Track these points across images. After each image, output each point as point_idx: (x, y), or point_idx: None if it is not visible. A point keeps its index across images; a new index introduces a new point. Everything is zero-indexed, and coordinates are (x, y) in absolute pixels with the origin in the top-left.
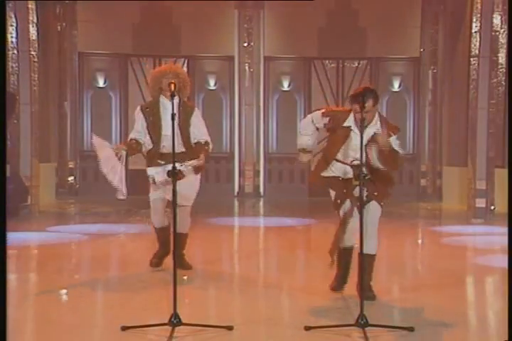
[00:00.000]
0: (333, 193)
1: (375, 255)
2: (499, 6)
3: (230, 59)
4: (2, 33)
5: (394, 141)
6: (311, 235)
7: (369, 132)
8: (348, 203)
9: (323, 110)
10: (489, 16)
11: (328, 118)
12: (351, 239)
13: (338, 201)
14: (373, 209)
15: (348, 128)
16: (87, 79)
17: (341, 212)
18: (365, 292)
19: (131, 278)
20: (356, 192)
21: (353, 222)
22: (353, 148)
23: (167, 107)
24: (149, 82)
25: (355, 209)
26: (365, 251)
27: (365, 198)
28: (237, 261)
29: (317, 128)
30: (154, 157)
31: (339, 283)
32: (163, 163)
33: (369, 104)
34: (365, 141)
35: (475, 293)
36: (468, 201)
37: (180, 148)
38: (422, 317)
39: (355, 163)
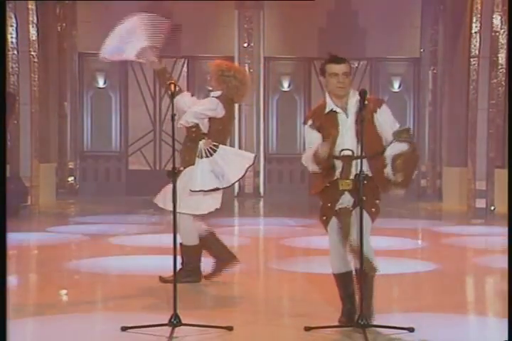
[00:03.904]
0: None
1: (372, 276)
2: (499, 7)
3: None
4: (2, 33)
5: (382, 117)
6: (311, 235)
7: (353, 106)
8: (334, 220)
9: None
10: (489, 16)
11: (311, 120)
12: (341, 264)
13: (324, 218)
14: (363, 220)
15: (331, 111)
16: (87, 79)
17: (328, 231)
18: (359, 321)
19: (131, 278)
20: (341, 202)
21: (340, 244)
22: (342, 135)
23: None
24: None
25: (342, 225)
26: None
27: (351, 205)
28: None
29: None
30: None
31: (348, 318)
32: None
33: (346, 66)
34: (353, 118)
35: (475, 293)
36: (468, 201)
37: None
38: (422, 317)
39: (345, 152)
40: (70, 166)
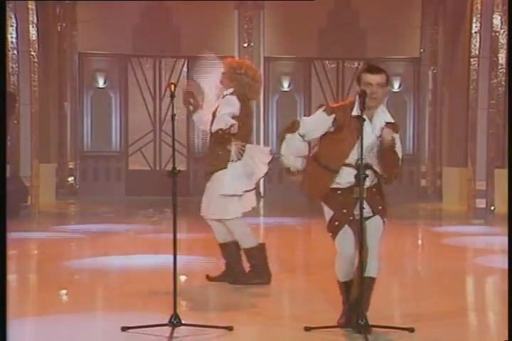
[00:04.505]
0: (328, 211)
1: (375, 278)
2: (499, 7)
3: None
4: (2, 33)
5: (397, 141)
6: (311, 235)
7: (380, 120)
8: (346, 227)
9: (323, 108)
10: (489, 17)
11: (335, 115)
12: (350, 272)
13: (336, 223)
14: (375, 225)
15: (358, 116)
16: (87, 79)
17: (338, 239)
18: (359, 321)
19: (131, 278)
20: (358, 211)
21: (352, 252)
22: (359, 145)
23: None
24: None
25: (355, 234)
26: (366, 273)
27: (366, 213)
28: None
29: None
30: None
31: (347, 320)
32: None
33: (382, 77)
34: (377, 132)
35: (475, 293)
36: (468, 201)
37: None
38: (422, 317)
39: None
40: (70, 166)
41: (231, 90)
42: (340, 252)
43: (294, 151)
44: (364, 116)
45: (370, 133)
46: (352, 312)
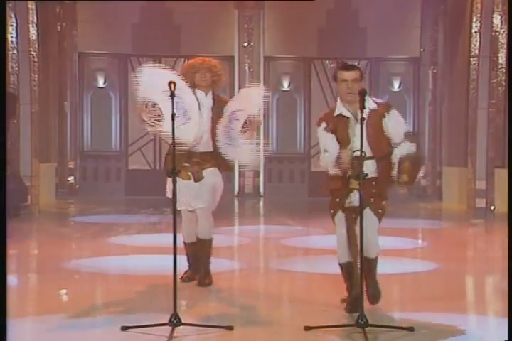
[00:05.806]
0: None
1: (372, 258)
2: (499, 6)
3: (230, 59)
4: (2, 33)
5: (391, 121)
6: (311, 235)
7: (365, 111)
8: (340, 214)
9: (317, 124)
10: (489, 16)
11: (324, 122)
12: (345, 254)
13: (332, 211)
14: (366, 216)
15: (340, 115)
16: (87, 79)
17: (335, 223)
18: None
19: (131, 278)
20: (351, 200)
21: (345, 236)
22: (353, 139)
23: (202, 101)
24: (181, 76)
25: (348, 220)
26: (364, 254)
27: (356, 202)
28: (237, 261)
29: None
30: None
31: (353, 305)
32: (187, 164)
33: (356, 72)
34: (363, 126)
35: (475, 293)
36: (468, 201)
37: (207, 147)
38: (421, 317)
39: (357, 153)
40: (70, 166)
41: (215, 92)
42: (337, 234)
43: (331, 164)
44: (347, 114)
45: (358, 126)
46: (356, 297)
